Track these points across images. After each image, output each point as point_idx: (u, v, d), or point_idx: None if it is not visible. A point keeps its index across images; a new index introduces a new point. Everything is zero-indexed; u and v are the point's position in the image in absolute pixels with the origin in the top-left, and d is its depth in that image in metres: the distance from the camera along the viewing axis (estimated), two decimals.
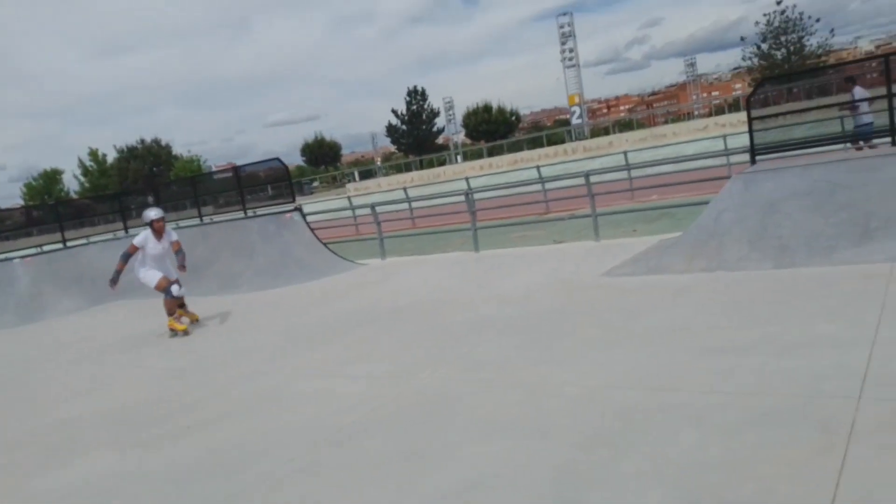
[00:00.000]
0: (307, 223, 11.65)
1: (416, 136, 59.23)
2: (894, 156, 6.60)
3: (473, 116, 58.03)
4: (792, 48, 45.65)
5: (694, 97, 69.76)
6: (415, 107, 59.30)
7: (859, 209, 6.38)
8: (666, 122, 53.99)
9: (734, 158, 13.35)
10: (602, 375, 4.17)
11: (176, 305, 8.05)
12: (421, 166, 49.07)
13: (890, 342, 3.85)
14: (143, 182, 56.10)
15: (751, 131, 7.69)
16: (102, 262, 13.60)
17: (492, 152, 46.48)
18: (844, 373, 3.52)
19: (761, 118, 7.96)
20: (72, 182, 63.07)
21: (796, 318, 4.69)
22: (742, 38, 48.77)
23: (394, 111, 59.82)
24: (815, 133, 8.80)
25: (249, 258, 11.54)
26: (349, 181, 53.11)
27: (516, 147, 46.76)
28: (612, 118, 76.24)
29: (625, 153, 18.04)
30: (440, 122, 60.71)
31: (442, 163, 49.14)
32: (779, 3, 46.10)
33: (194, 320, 8.35)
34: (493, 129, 56.90)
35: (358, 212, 19.05)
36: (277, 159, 12.09)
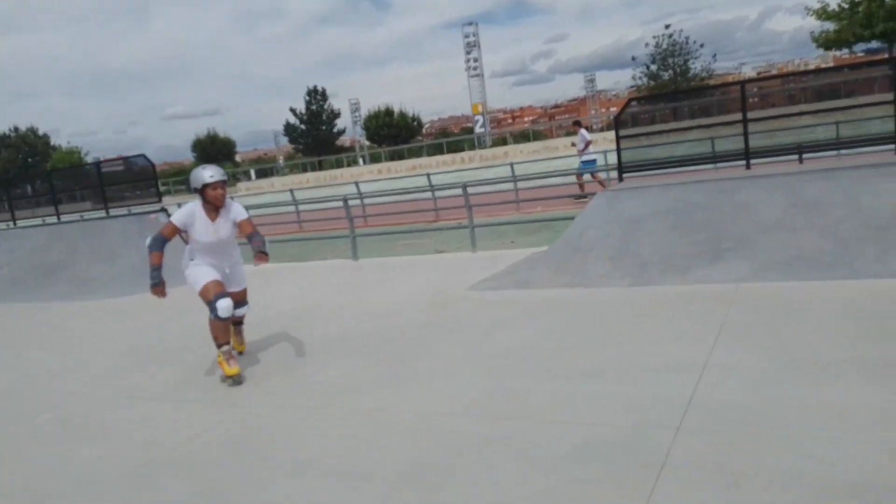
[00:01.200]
0: None
1: (315, 137, 58.00)
2: (748, 179, 6.89)
3: (375, 119, 57.54)
4: (678, 70, 48.32)
5: (593, 112, 72.59)
6: (314, 107, 58.09)
7: (714, 230, 6.58)
8: (562, 136, 55.77)
9: (615, 174, 13.72)
10: (443, 401, 3.98)
11: (228, 330, 5.11)
12: (320, 167, 48.05)
13: (719, 367, 3.89)
14: None
15: (618, 149, 7.83)
16: None
17: (393, 157, 46.22)
18: (673, 400, 3.50)
19: (630, 136, 8.14)
20: None
21: (644, 340, 4.70)
22: (633, 58, 51.08)
23: (292, 110, 58.37)
24: (684, 153, 9.11)
25: (109, 261, 10.67)
26: (245, 180, 51.26)
27: (416, 153, 46.75)
28: (517, 128, 77.94)
29: (511, 165, 18.27)
30: (343, 123, 59.91)
31: (341, 165, 48.40)
32: (667, 27, 48.77)
33: (239, 350, 5.58)
34: (394, 133, 56.66)
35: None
36: (143, 156, 11.30)
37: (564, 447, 3.16)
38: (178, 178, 56.27)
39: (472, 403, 3.88)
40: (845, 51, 45.77)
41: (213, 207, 4.95)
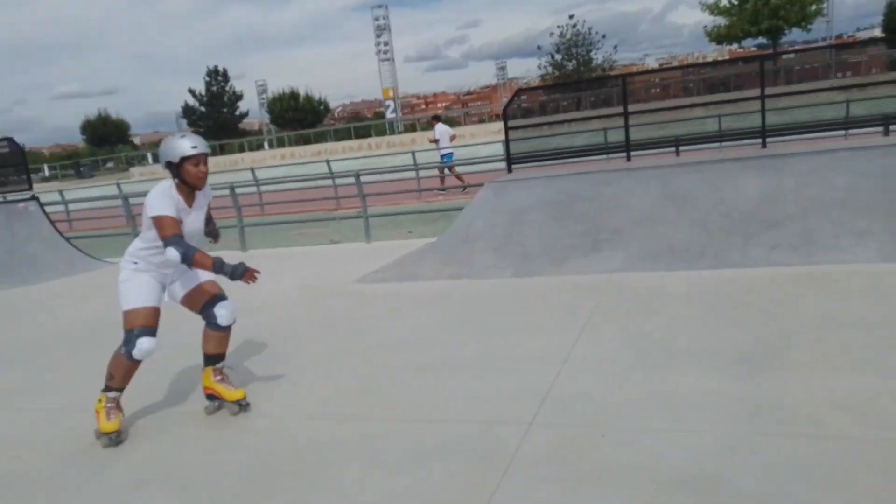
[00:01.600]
0: (46, 214, 10.18)
1: (216, 120, 55.63)
2: (626, 171, 7.09)
3: (279, 103, 55.73)
4: (581, 60, 49.62)
5: (504, 99, 73.56)
6: (215, 88, 55.69)
7: (593, 221, 6.74)
8: (474, 123, 56.23)
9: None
10: (302, 402, 3.85)
11: (131, 374, 3.69)
12: (221, 151, 46.13)
13: (578, 360, 3.97)
14: None
15: (507, 140, 7.89)
16: None
17: (298, 141, 45.09)
18: (529, 394, 3.52)
19: (518, 128, 8.22)
20: None
21: (517, 331, 4.74)
22: (539, 48, 52.04)
23: (191, 91, 55.69)
24: (572, 144, 9.33)
25: None
26: (139, 164, 48.64)
27: (322, 137, 45.79)
28: (430, 114, 77.76)
29: (412, 152, 18.19)
30: (250, 105, 57.80)
31: (244, 149, 46.73)
32: (571, 17, 49.93)
33: (235, 401, 3.81)
34: (300, 116, 55.11)
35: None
36: (10, 139, 10.43)
37: (413, 447, 3.11)
38: (67, 163, 52.71)
39: (331, 403, 3.78)
40: (736, 45, 48.50)
41: (190, 190, 3.60)
